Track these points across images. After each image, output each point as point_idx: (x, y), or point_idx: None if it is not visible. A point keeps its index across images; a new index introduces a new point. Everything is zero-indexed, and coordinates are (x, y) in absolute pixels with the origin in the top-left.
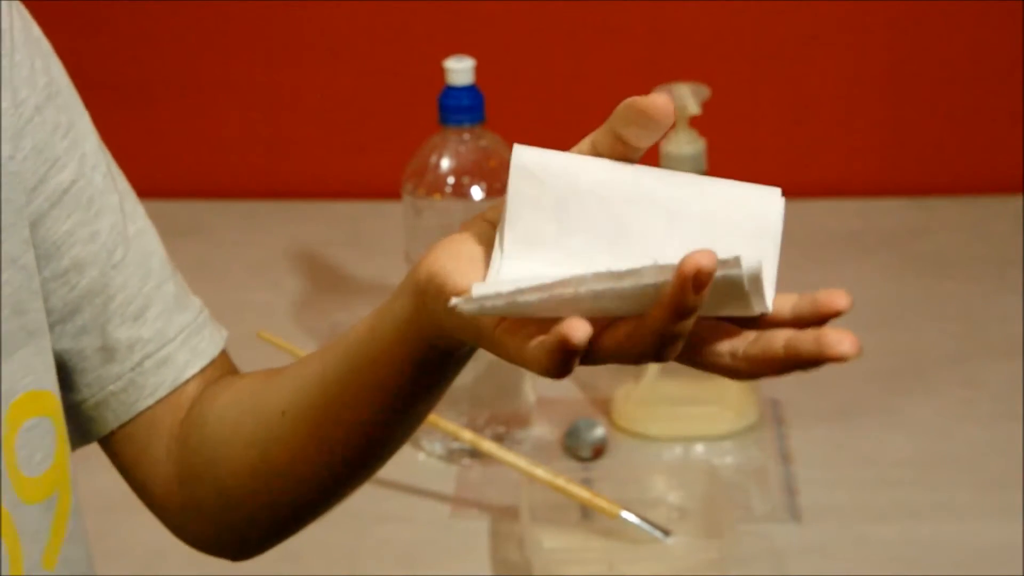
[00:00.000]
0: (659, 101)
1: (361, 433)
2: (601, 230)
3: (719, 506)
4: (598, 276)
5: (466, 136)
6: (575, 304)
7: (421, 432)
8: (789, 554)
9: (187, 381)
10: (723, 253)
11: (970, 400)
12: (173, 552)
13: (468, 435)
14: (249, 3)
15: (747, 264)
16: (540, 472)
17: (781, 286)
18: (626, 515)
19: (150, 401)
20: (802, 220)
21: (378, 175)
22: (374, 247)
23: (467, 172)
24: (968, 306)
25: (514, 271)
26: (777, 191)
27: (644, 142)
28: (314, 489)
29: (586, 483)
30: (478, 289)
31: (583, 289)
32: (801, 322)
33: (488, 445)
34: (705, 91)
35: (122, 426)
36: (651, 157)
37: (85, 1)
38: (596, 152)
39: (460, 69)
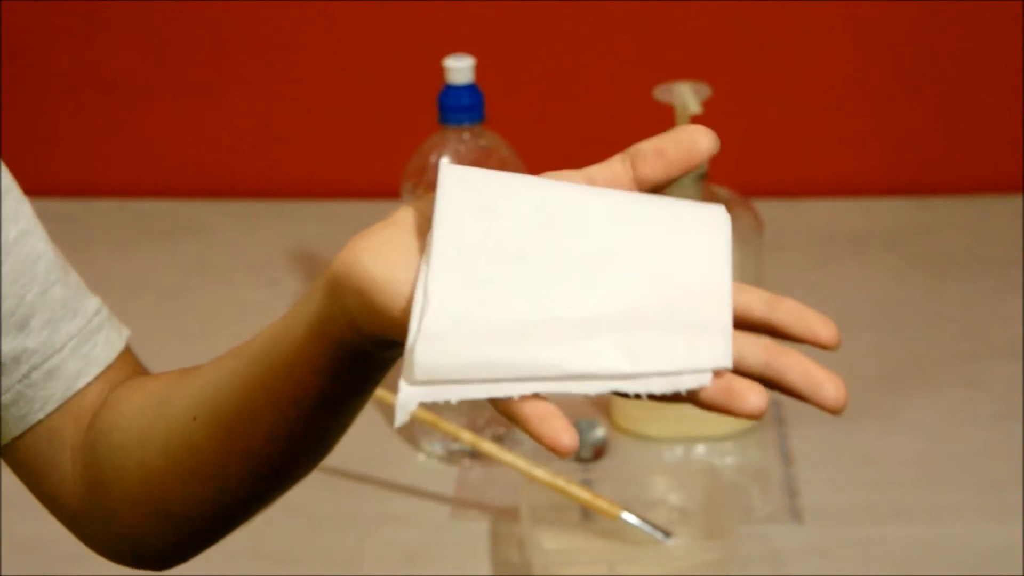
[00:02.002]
0: (707, 137)
1: (278, 439)
2: (537, 237)
3: (720, 507)
4: (550, 379)
5: (466, 135)
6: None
7: (421, 433)
8: (790, 555)
9: (83, 389)
10: (676, 277)
11: (971, 401)
12: None
13: (468, 436)
14: (249, 3)
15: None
16: (540, 473)
17: (781, 287)
18: (626, 516)
19: (41, 414)
20: (802, 220)
21: (378, 175)
22: None
23: None
24: (969, 306)
25: (443, 288)
26: (722, 208)
27: (659, 178)
28: (233, 495)
29: (586, 484)
30: (424, 363)
31: (529, 387)
32: (775, 329)
33: (488, 446)
34: (705, 90)
35: (18, 438)
36: None
37: (85, 1)
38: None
39: (460, 68)
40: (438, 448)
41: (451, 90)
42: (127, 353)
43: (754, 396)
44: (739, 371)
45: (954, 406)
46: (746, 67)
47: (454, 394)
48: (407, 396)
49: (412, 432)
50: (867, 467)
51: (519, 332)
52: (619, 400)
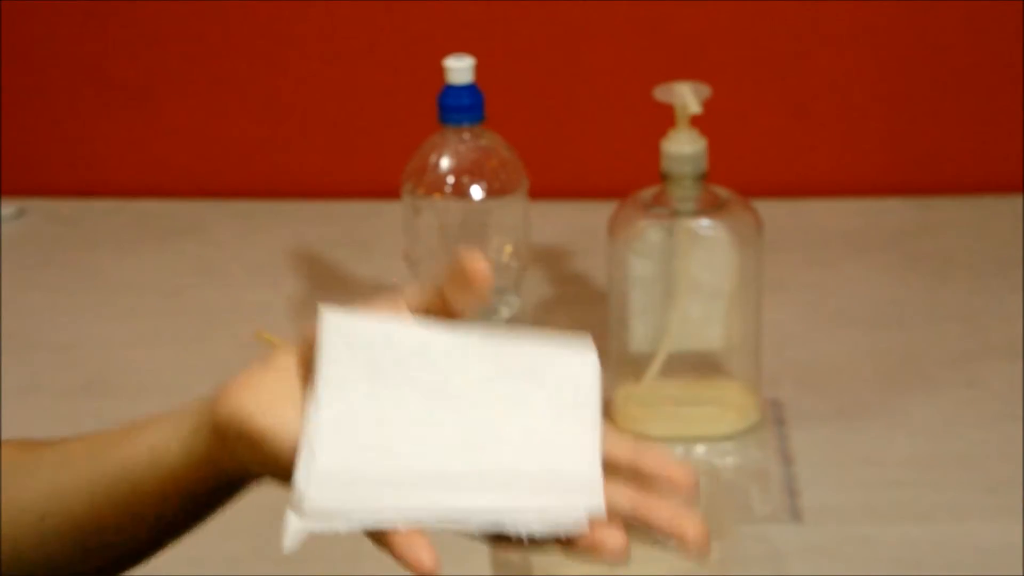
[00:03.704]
0: (478, 265)
1: (131, 545)
2: (415, 392)
3: (720, 507)
4: (436, 516)
5: (466, 135)
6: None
7: None
8: (790, 555)
9: None
10: (546, 445)
11: (972, 400)
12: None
13: None
14: (249, 3)
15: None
16: None
17: (781, 287)
18: None
19: None
20: (802, 220)
21: (378, 175)
22: (374, 247)
23: (467, 171)
24: (969, 306)
25: (328, 439)
26: (591, 350)
27: (464, 306)
28: None
29: None
30: (314, 503)
31: (416, 522)
32: (640, 474)
33: None
34: (706, 90)
35: None
36: (652, 155)
37: (85, 1)
38: (425, 310)
39: (460, 68)
40: None
41: (451, 90)
42: None
43: (612, 541)
44: (609, 514)
45: (954, 406)
46: (746, 67)
47: (341, 525)
48: (295, 528)
49: None
50: (867, 467)
51: (402, 479)
52: (620, 400)
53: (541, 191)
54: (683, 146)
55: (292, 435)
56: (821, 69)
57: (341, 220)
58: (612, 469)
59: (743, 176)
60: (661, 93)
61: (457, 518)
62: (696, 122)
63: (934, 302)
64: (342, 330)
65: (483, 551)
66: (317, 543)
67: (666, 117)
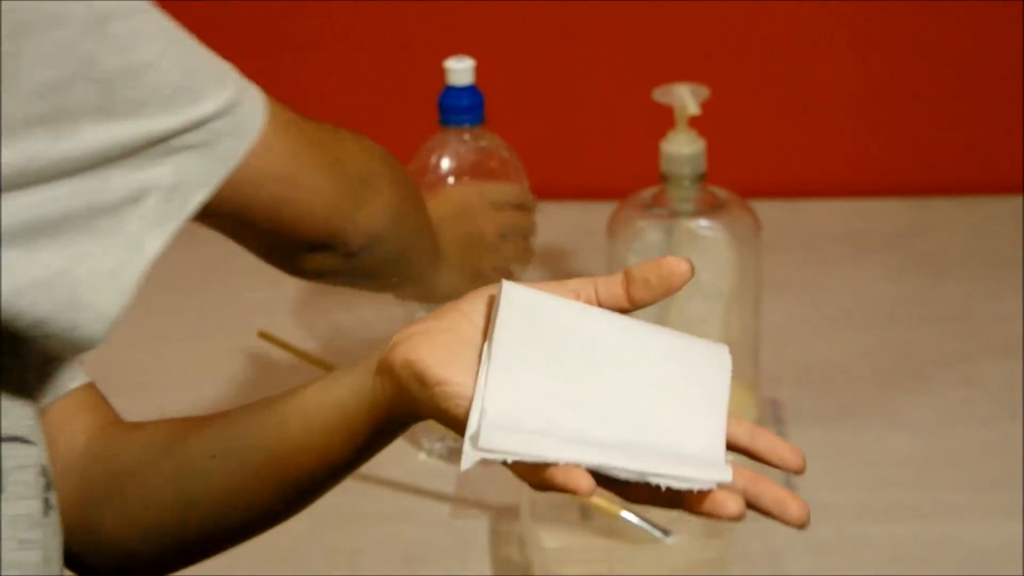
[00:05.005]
0: (684, 268)
1: (299, 485)
2: (576, 362)
3: None
4: (589, 463)
5: (466, 136)
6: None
7: (421, 432)
8: (789, 554)
9: (70, 393)
10: (680, 413)
11: (970, 400)
12: None
13: None
14: (250, 3)
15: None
16: None
17: (781, 288)
18: (626, 515)
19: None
20: (801, 220)
21: None
22: None
23: (467, 172)
24: (968, 306)
25: (500, 393)
26: (725, 348)
27: (646, 302)
28: (237, 525)
29: None
30: (488, 440)
31: (584, 464)
32: (754, 455)
33: None
34: (705, 91)
35: None
36: (652, 156)
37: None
38: (596, 292)
39: (460, 69)
40: (438, 447)
41: (451, 91)
42: (99, 396)
43: (732, 504)
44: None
45: (952, 405)
46: (745, 68)
47: (509, 458)
48: (470, 456)
49: (413, 430)
50: (866, 466)
51: (562, 433)
52: None
53: (541, 191)
54: (682, 147)
55: (463, 387)
56: (820, 70)
57: None
58: (730, 448)
59: (742, 177)
60: (660, 94)
61: (607, 467)
62: (695, 123)
63: (932, 302)
64: (518, 302)
65: (483, 549)
66: (318, 541)
67: (665, 118)
